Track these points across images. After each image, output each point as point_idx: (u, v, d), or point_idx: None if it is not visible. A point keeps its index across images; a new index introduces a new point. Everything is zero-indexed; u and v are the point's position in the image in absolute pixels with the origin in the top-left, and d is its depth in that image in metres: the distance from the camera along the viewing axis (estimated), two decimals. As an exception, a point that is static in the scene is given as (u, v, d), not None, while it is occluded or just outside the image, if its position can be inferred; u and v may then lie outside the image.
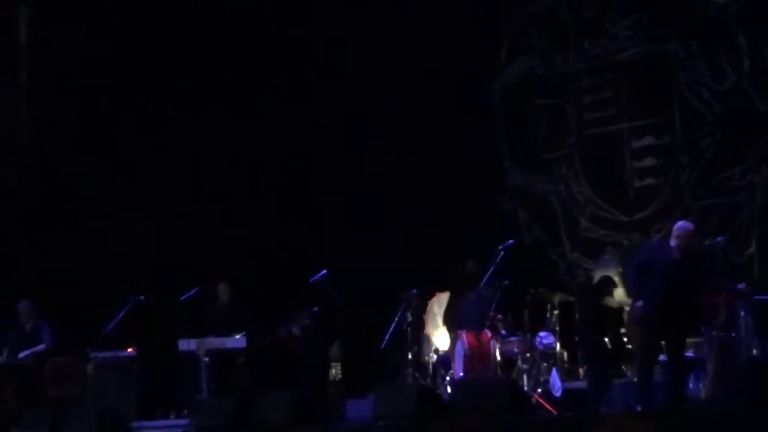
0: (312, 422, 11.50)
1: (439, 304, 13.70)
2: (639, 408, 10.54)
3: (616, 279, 12.98)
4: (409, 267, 14.68)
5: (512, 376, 12.47)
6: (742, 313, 11.34)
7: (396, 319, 13.11)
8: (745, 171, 13.52)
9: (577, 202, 14.72)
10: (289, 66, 16.58)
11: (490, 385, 11.19)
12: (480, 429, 10.36)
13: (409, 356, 13.27)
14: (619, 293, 12.84)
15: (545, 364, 12.71)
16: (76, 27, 15.26)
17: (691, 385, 11.31)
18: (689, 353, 11.21)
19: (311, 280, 13.33)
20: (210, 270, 14.52)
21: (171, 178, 15.38)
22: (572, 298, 13.33)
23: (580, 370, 12.87)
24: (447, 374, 12.89)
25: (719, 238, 12.03)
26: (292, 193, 16.47)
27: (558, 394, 12.24)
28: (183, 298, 13.58)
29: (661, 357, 11.04)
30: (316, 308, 13.84)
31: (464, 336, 12.53)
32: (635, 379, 11.25)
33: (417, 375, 13.30)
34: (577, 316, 13.08)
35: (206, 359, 13.54)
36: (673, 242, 10.80)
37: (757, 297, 11.65)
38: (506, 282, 12.70)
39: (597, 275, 13.47)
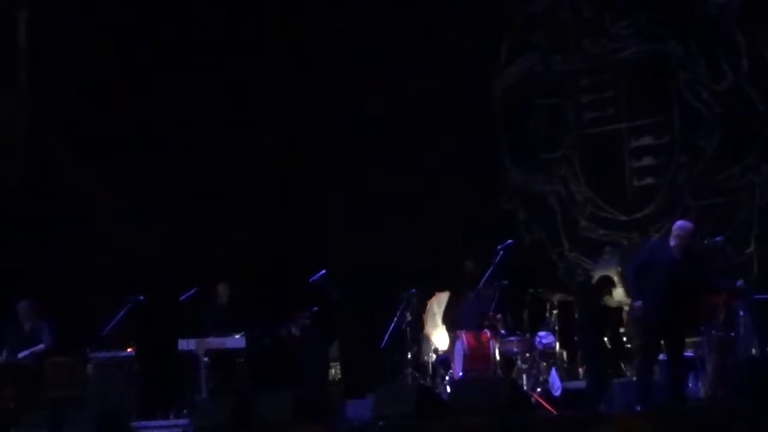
0: (312, 422, 11.50)
1: (438, 303, 13.72)
2: (638, 407, 10.56)
3: (616, 279, 13.00)
4: (409, 267, 14.68)
5: (512, 375, 12.47)
6: (742, 313, 11.35)
7: (395, 318, 13.12)
8: (744, 170, 13.53)
9: (576, 201, 14.73)
10: (289, 65, 16.59)
11: (489, 385, 11.20)
12: (479, 429, 10.37)
13: (409, 356, 13.29)
14: (619, 293, 12.86)
15: (545, 364, 12.72)
16: (76, 27, 15.26)
17: (690, 385, 11.33)
18: (689, 353, 11.23)
19: (311, 280, 13.34)
20: (210, 270, 14.53)
21: (171, 178, 15.37)
22: (572, 298, 13.35)
23: (580, 370, 12.89)
24: (446, 374, 12.91)
25: (718, 238, 12.03)
26: (292, 193, 16.48)
27: (557, 393, 12.25)
28: (183, 298, 13.58)
29: (661, 356, 11.06)
30: (315, 308, 13.83)
31: (464, 336, 12.55)
32: (635, 379, 11.27)
33: (416, 375, 13.31)
34: (576, 315, 13.10)
35: (206, 359, 13.53)
36: (672, 242, 10.82)
37: (756, 296, 11.67)
38: (505, 282, 12.72)
39: (596, 275, 13.50)
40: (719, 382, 11.08)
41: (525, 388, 12.21)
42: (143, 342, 13.70)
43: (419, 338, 13.70)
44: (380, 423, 11.10)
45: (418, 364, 13.50)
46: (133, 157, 15.33)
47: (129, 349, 13.61)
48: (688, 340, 11.09)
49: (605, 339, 12.56)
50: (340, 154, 16.08)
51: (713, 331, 11.34)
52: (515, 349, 12.75)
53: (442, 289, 13.71)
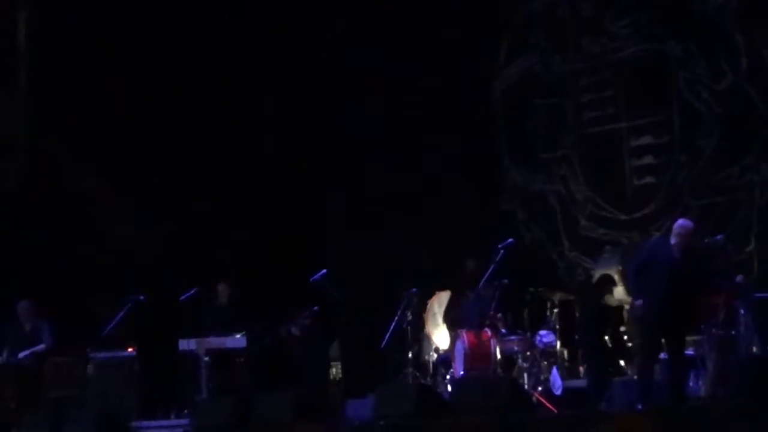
0: (312, 422, 11.49)
1: (439, 303, 13.73)
2: (639, 406, 10.57)
3: (616, 277, 13.01)
4: (409, 266, 14.69)
5: (512, 374, 12.48)
6: (742, 311, 11.36)
7: (396, 318, 13.11)
8: (744, 170, 13.54)
9: (576, 201, 14.74)
10: (289, 65, 16.60)
11: (490, 384, 11.20)
12: (480, 428, 10.36)
13: (410, 355, 13.29)
14: (619, 292, 12.87)
15: (545, 363, 12.73)
16: (76, 27, 15.26)
17: (691, 383, 11.33)
18: (689, 351, 11.23)
19: (311, 279, 13.33)
20: (210, 270, 14.53)
21: (171, 178, 15.38)
22: (572, 297, 13.35)
23: (581, 369, 12.88)
24: (447, 373, 12.91)
25: (719, 236, 12.04)
26: (292, 193, 16.48)
27: (558, 392, 12.26)
28: (183, 297, 13.57)
29: (662, 355, 11.06)
30: (316, 308, 13.83)
31: (464, 335, 12.55)
32: (635, 377, 11.27)
33: (417, 374, 13.31)
34: (577, 314, 13.10)
35: (206, 359, 13.54)
36: (673, 240, 10.83)
37: (756, 295, 11.68)
38: (506, 281, 12.73)
39: (597, 274, 13.51)
40: (720, 381, 11.08)
41: (526, 387, 12.22)
42: (143, 342, 13.71)
43: (420, 337, 13.70)
44: (381, 422, 11.10)
45: (419, 363, 13.51)
46: (133, 157, 15.34)
47: (129, 349, 13.62)
48: (688, 338, 11.10)
49: (606, 338, 12.57)
50: (340, 154, 16.09)
51: (714, 330, 11.35)
52: (516, 348, 12.76)
53: (442, 289, 13.72)
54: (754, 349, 11.38)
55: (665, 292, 10.67)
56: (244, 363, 13.68)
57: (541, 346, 12.86)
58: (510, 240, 12.57)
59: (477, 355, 12.43)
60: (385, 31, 15.62)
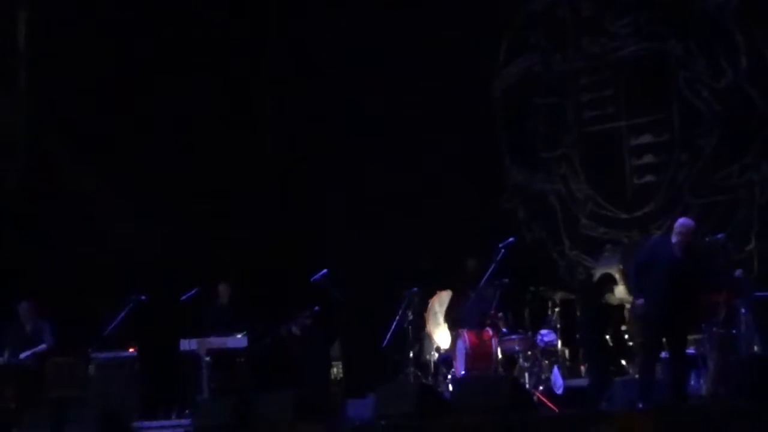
0: (313, 422, 11.50)
1: (440, 302, 13.73)
2: (640, 405, 10.57)
3: (617, 276, 13.00)
4: (410, 266, 14.69)
5: (513, 373, 12.48)
6: (743, 310, 11.37)
7: (397, 317, 13.11)
8: (744, 168, 13.55)
9: (576, 200, 14.75)
10: (289, 65, 16.60)
11: (491, 383, 11.21)
12: (481, 427, 10.37)
13: (411, 355, 13.27)
14: (620, 290, 12.86)
15: (546, 362, 12.72)
16: (76, 27, 15.26)
17: (692, 382, 11.33)
18: (690, 350, 11.24)
19: (312, 279, 13.33)
20: (210, 270, 14.53)
21: (171, 178, 15.38)
22: (573, 296, 13.36)
23: (582, 368, 12.89)
24: (448, 372, 12.91)
25: (720, 235, 12.05)
26: (291, 193, 16.48)
27: (559, 391, 12.27)
28: (184, 298, 13.56)
29: (663, 354, 11.07)
30: (317, 307, 13.83)
31: (465, 334, 12.55)
32: (636, 377, 11.28)
33: (418, 373, 13.30)
34: (578, 313, 13.10)
35: (207, 359, 13.53)
36: (674, 239, 10.84)
37: (757, 294, 11.68)
38: (506, 280, 12.72)
39: (597, 273, 13.51)
40: (721, 380, 11.09)
41: (527, 386, 12.21)
42: (144, 342, 13.71)
43: (421, 337, 13.70)
44: (382, 422, 11.10)
45: (420, 362, 13.50)
46: (133, 157, 15.34)
47: (130, 349, 13.62)
48: (689, 337, 11.10)
49: (607, 337, 12.57)
50: (340, 154, 16.09)
51: (715, 329, 11.35)
52: (517, 348, 12.76)
53: (443, 288, 13.72)
54: (755, 348, 11.39)
55: (666, 291, 10.67)
56: (244, 363, 13.68)
57: (542, 345, 12.85)
58: (511, 239, 12.57)
59: (478, 355, 12.43)
60: (385, 31, 15.62)
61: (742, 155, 13.56)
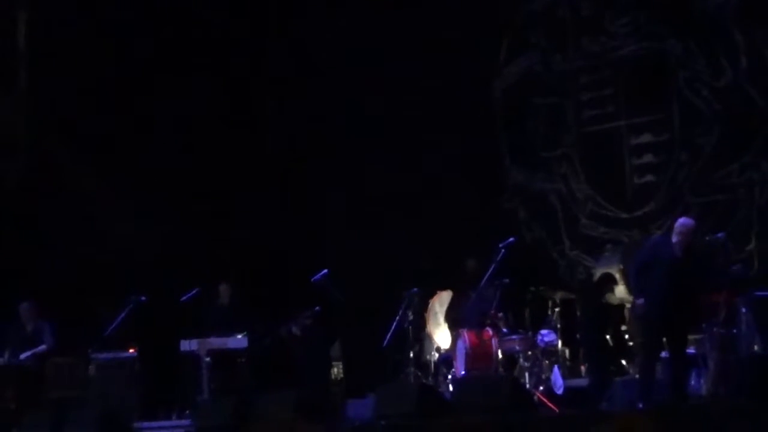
0: (313, 421, 11.49)
1: (440, 302, 13.73)
2: (640, 405, 10.57)
3: (617, 276, 13.00)
4: (410, 266, 14.69)
5: (514, 373, 12.48)
6: (743, 310, 11.36)
7: (397, 317, 13.11)
8: (744, 167, 13.54)
9: (576, 199, 14.75)
10: (289, 65, 16.60)
11: (491, 383, 11.21)
12: (482, 427, 10.36)
13: (411, 355, 13.27)
14: (620, 290, 12.86)
15: (547, 362, 12.72)
16: (76, 27, 15.26)
17: (692, 382, 11.33)
18: (690, 350, 11.24)
19: (312, 279, 13.33)
20: (210, 270, 14.53)
21: (171, 178, 15.38)
22: (573, 296, 13.35)
23: (582, 368, 12.89)
24: (448, 373, 12.91)
25: (720, 234, 12.04)
26: (291, 193, 16.48)
27: (560, 391, 12.26)
28: (184, 298, 13.57)
29: (663, 354, 11.06)
30: (317, 308, 13.83)
31: (465, 334, 12.55)
32: (637, 376, 11.28)
33: (418, 374, 13.30)
34: (578, 313, 13.10)
35: (207, 359, 13.53)
36: (674, 239, 10.84)
37: (757, 293, 11.68)
38: (507, 280, 12.72)
39: (598, 272, 13.51)
40: (721, 380, 11.09)
41: (527, 386, 12.21)
42: (145, 342, 13.71)
43: (421, 337, 13.69)
44: (382, 422, 11.11)
45: (420, 363, 13.50)
46: (133, 157, 15.34)
47: (131, 350, 13.62)
48: (689, 337, 11.10)
49: (607, 337, 12.57)
50: (340, 154, 16.09)
51: (715, 329, 11.34)
52: (517, 348, 12.76)
53: (443, 288, 13.72)
54: (755, 347, 11.38)
55: (666, 291, 10.67)
56: (245, 363, 13.68)
57: (542, 345, 12.85)
58: (511, 239, 12.57)
59: (478, 355, 12.44)
60: (385, 31, 15.61)
61: (742, 154, 13.55)
